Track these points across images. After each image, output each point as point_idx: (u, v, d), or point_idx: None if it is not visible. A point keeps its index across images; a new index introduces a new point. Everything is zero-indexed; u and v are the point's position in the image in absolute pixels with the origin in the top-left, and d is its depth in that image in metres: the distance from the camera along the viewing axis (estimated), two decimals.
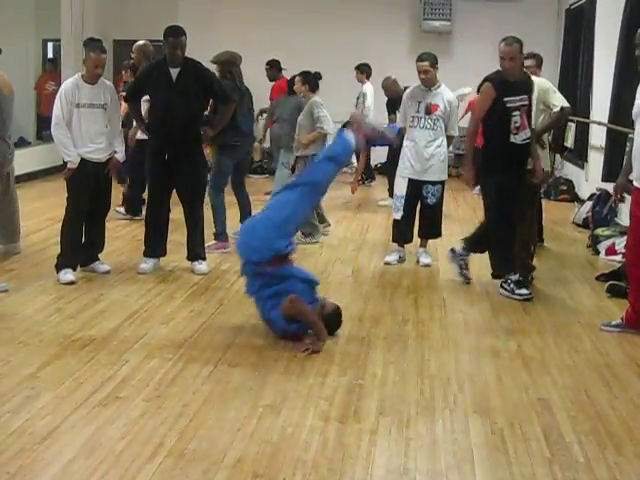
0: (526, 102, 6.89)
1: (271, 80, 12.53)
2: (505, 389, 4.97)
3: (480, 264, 8.16)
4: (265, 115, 12.41)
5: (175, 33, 7.09)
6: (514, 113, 6.81)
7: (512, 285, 6.97)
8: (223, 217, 8.40)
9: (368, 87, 13.38)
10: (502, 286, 7.05)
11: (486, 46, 13.65)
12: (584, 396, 4.89)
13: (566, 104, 7.36)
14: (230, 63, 8.53)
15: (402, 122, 8.17)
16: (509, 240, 7.06)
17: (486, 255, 8.55)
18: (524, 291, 6.90)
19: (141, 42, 9.37)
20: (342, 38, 14.89)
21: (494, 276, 7.54)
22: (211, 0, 15.50)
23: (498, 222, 7.02)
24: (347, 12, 15.07)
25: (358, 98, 13.40)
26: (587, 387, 5.03)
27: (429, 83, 7.84)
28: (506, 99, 6.80)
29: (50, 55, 15.22)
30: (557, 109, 7.29)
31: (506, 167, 6.87)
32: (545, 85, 7.38)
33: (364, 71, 13.45)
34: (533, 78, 7.38)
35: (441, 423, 4.44)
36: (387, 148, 11.06)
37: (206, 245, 7.75)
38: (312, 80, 9.13)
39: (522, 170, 7.02)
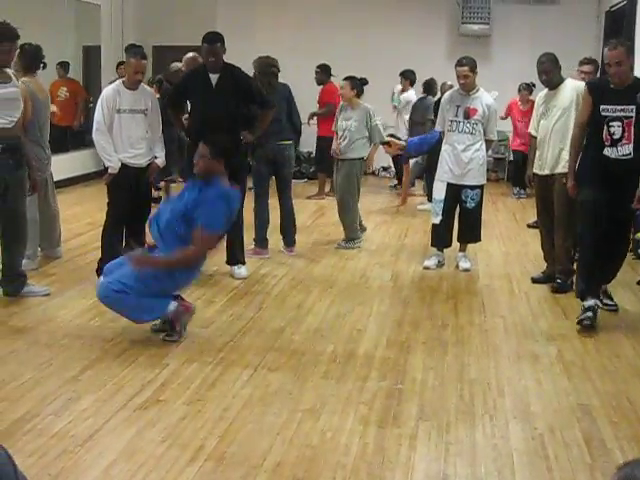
0: (631, 113, 6.12)
1: (319, 84, 12.56)
2: (545, 394, 4.94)
3: (520, 267, 8.13)
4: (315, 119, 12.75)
5: (210, 40, 7.12)
6: (611, 123, 6.15)
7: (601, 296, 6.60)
8: (262, 223, 8.39)
9: (411, 95, 13.34)
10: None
11: (525, 50, 13.69)
12: (626, 402, 4.84)
13: None
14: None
15: (440, 126, 8.17)
16: (588, 262, 6.35)
17: (525, 258, 8.56)
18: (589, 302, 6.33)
19: (190, 54, 9.22)
20: (380, 42, 14.88)
21: (534, 280, 7.53)
22: (250, 6, 15.55)
23: (582, 240, 6.49)
24: (385, 16, 15.03)
25: (395, 103, 13.45)
26: (629, 393, 4.98)
27: (468, 88, 7.82)
28: (603, 107, 6.20)
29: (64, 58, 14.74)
30: None
31: (595, 182, 6.26)
32: (583, 88, 7.25)
33: (408, 77, 13.43)
34: (572, 81, 7.31)
35: (481, 428, 4.42)
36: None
37: (245, 250, 7.77)
38: (358, 86, 9.17)
39: (618, 190, 6.18)
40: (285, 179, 8.79)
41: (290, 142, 8.73)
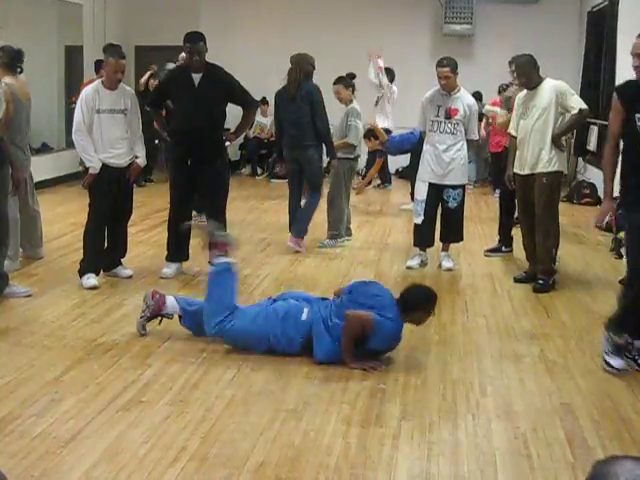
0: None
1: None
2: (528, 394, 4.95)
3: (503, 266, 8.14)
4: None
5: (192, 39, 7.13)
6: None
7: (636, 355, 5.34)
8: (291, 216, 8.69)
9: (394, 88, 13.34)
10: (626, 355, 5.35)
11: (507, 49, 13.62)
12: (607, 401, 4.86)
13: (584, 106, 7.19)
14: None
15: (421, 126, 8.17)
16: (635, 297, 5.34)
17: (507, 257, 8.57)
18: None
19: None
20: (363, 41, 14.84)
21: (516, 280, 7.55)
22: (233, 6, 15.54)
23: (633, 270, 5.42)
24: (368, 16, 15.07)
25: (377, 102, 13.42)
26: (610, 392, 5.00)
27: (449, 88, 7.82)
28: (638, 115, 5.10)
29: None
30: (575, 111, 7.11)
31: (638, 203, 5.21)
32: (562, 88, 7.23)
33: (388, 74, 13.39)
34: (551, 80, 7.33)
35: (464, 428, 4.42)
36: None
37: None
38: (350, 83, 9.24)
39: None
40: (309, 179, 8.82)
41: (312, 144, 8.66)
